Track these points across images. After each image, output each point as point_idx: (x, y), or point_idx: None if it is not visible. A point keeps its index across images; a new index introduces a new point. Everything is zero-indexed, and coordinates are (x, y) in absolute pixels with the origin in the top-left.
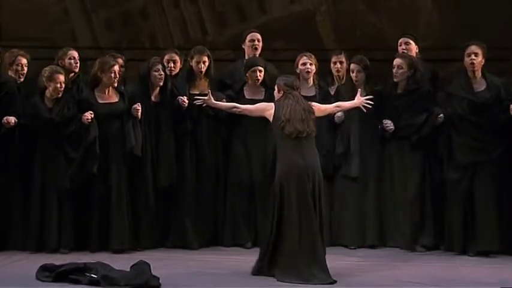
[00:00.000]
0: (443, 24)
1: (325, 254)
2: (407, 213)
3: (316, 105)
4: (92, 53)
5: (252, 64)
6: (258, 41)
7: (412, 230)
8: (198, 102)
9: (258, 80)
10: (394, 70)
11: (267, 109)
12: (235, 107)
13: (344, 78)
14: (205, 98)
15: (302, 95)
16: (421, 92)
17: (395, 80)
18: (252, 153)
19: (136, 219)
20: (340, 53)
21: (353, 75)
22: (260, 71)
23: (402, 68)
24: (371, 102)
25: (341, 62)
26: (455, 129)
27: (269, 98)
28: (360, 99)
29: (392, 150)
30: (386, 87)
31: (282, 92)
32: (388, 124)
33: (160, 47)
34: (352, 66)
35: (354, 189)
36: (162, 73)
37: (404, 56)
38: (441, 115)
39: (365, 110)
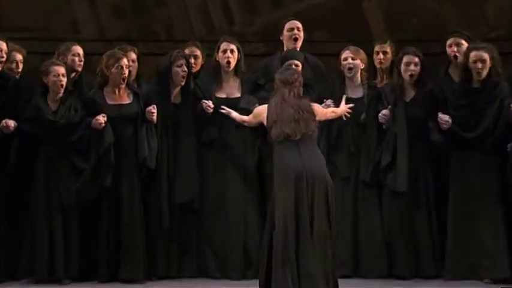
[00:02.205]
0: None
1: None
2: (482, 241)
3: (316, 106)
4: (97, 46)
5: (287, 57)
6: (298, 29)
7: (486, 260)
8: (222, 111)
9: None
10: (476, 65)
11: (261, 112)
12: (243, 121)
13: (385, 74)
14: (225, 110)
15: (349, 97)
16: (502, 88)
17: (478, 78)
18: None
19: (151, 243)
20: (385, 42)
21: (409, 68)
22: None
23: (487, 61)
24: (350, 111)
25: (384, 52)
26: None
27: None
28: (344, 107)
29: (458, 163)
30: (452, 84)
31: (275, 89)
32: (446, 120)
33: (179, 39)
34: (406, 58)
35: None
36: (186, 70)
37: (486, 48)
38: None
39: (344, 119)
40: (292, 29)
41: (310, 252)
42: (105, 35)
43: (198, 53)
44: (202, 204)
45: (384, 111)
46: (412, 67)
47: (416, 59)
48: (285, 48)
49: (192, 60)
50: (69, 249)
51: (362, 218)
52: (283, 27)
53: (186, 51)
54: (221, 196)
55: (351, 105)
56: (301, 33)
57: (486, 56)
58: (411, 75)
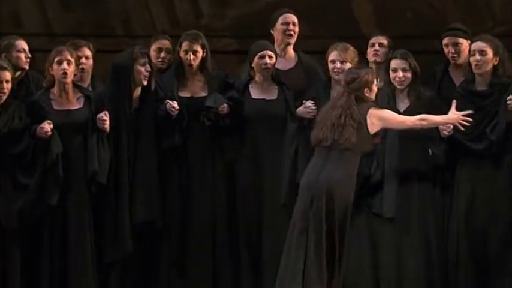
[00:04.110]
0: None
1: None
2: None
3: (384, 114)
4: (42, 41)
5: (258, 48)
6: (294, 24)
7: None
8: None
9: (267, 68)
10: (474, 58)
11: None
12: None
13: (379, 72)
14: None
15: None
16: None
17: (477, 71)
18: (264, 182)
19: (104, 269)
20: (382, 36)
21: (397, 75)
22: (270, 57)
23: (487, 54)
24: (470, 119)
25: (380, 44)
26: None
27: (284, 97)
28: (456, 115)
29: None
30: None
31: None
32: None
33: (138, 34)
34: (395, 63)
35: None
36: (149, 69)
37: (487, 38)
38: (510, 99)
39: (462, 129)
40: (287, 24)
41: (304, 275)
42: (52, 29)
43: (170, 46)
44: (165, 223)
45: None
46: (400, 74)
47: (405, 64)
48: (276, 46)
49: (163, 55)
50: (7, 279)
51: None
52: (276, 20)
53: (157, 45)
54: (186, 212)
55: (470, 112)
56: (297, 29)
57: (487, 47)
58: (400, 83)
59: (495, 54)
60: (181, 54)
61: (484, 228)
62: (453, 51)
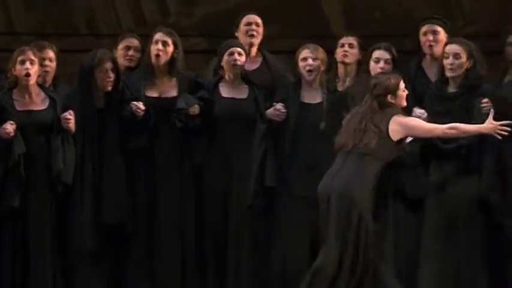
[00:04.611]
0: (498, 2)
1: None
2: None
3: (410, 121)
4: (5, 41)
5: (228, 45)
6: (257, 25)
7: None
8: None
9: (237, 65)
10: (448, 61)
11: None
12: None
13: (348, 73)
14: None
15: (303, 102)
16: (484, 91)
17: (450, 74)
18: (232, 183)
19: (69, 272)
20: (351, 36)
21: (378, 66)
22: (240, 54)
23: (461, 57)
24: (509, 129)
25: (350, 45)
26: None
27: (254, 97)
28: (493, 124)
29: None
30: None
31: None
32: (421, 112)
33: (103, 32)
34: (377, 54)
35: None
36: (112, 76)
37: (461, 41)
38: (486, 102)
39: (499, 137)
40: (249, 24)
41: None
42: (15, 28)
43: (138, 44)
44: (134, 224)
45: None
46: (381, 64)
47: (388, 56)
48: None
49: (131, 53)
50: None
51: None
52: (240, 22)
53: (124, 43)
54: (154, 214)
55: (509, 122)
56: (260, 29)
57: (461, 51)
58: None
59: (469, 57)
60: (151, 46)
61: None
62: (431, 39)
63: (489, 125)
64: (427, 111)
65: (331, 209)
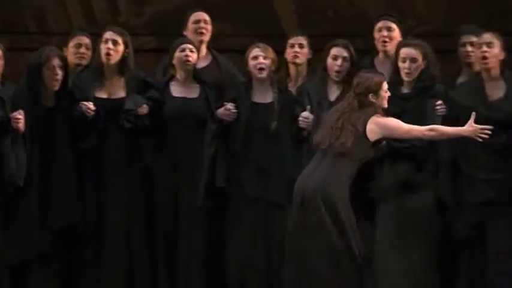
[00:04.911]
0: (450, 2)
1: None
2: None
3: (388, 122)
4: None
5: (179, 42)
6: (205, 22)
7: None
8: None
9: (188, 61)
10: (405, 65)
11: None
12: None
13: (299, 73)
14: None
15: (254, 102)
16: (436, 92)
17: (407, 78)
18: (182, 183)
19: (19, 274)
20: (302, 35)
21: (336, 63)
22: (191, 51)
23: (417, 61)
24: (489, 132)
25: (301, 45)
26: (463, 156)
27: (205, 97)
28: (473, 127)
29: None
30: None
31: None
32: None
33: (53, 31)
34: (335, 51)
35: None
36: (60, 73)
37: (417, 44)
38: (440, 104)
39: (480, 140)
40: (198, 21)
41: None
42: None
43: (88, 42)
44: (83, 225)
45: (305, 114)
46: (339, 61)
47: (346, 53)
48: None
49: (82, 50)
50: None
51: (275, 246)
52: (188, 20)
53: (75, 41)
54: (103, 214)
55: (489, 126)
56: (209, 27)
57: (417, 54)
58: (338, 71)
59: (424, 59)
60: (101, 45)
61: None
62: (385, 35)
63: (469, 127)
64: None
65: (307, 210)
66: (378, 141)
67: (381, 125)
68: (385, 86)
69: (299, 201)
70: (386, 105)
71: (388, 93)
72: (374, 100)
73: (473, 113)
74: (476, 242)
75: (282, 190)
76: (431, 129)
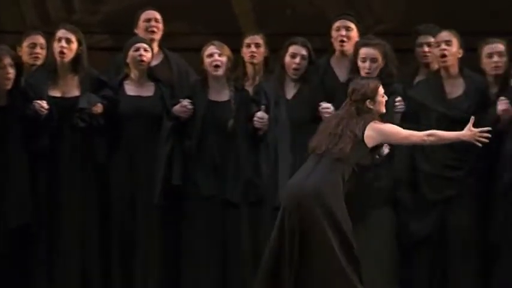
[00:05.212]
0: (409, 1)
1: None
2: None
3: (385, 128)
4: None
5: (133, 41)
6: (156, 21)
7: None
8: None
9: (142, 61)
10: (365, 65)
11: None
12: None
13: (256, 72)
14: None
15: (210, 100)
16: (393, 90)
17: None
18: (138, 182)
19: None
20: (257, 34)
21: (294, 61)
22: (146, 50)
23: (377, 60)
24: (489, 135)
25: (257, 45)
26: (422, 155)
27: (160, 95)
28: (472, 131)
29: None
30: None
31: None
32: (327, 106)
33: (6, 29)
34: (295, 49)
35: None
36: (11, 72)
37: (376, 43)
38: (400, 101)
39: (480, 145)
40: (149, 20)
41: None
42: None
43: (43, 42)
44: (37, 225)
45: (260, 114)
46: (298, 59)
47: (304, 51)
48: None
49: (37, 50)
50: None
51: (230, 246)
52: (139, 18)
53: (29, 41)
54: (56, 215)
55: (487, 128)
56: (160, 25)
57: (377, 54)
58: (296, 69)
59: (383, 58)
60: (55, 44)
61: None
62: (343, 34)
63: (468, 132)
64: (336, 107)
65: (303, 213)
66: (375, 148)
67: (379, 131)
68: (381, 91)
69: (294, 205)
70: (384, 111)
71: (385, 98)
72: (371, 106)
73: (472, 117)
74: (436, 241)
75: (237, 189)
76: (430, 135)
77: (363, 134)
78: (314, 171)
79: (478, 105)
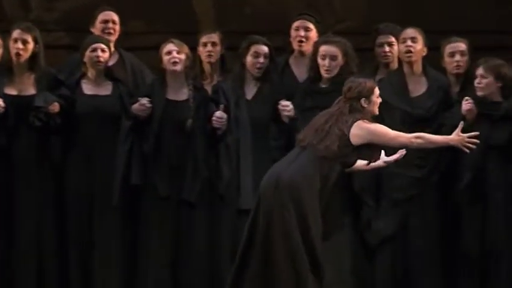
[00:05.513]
0: (367, 1)
1: None
2: None
3: (373, 128)
4: None
5: (91, 41)
6: (114, 22)
7: None
8: None
9: (100, 62)
10: (325, 62)
11: None
12: None
13: (215, 70)
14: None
15: (169, 99)
16: None
17: (327, 75)
18: (96, 182)
19: None
20: (214, 32)
21: (258, 61)
22: (103, 50)
23: (337, 58)
24: (477, 141)
25: (214, 44)
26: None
27: (118, 94)
28: (460, 136)
29: None
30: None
31: None
32: (287, 104)
33: None
34: (258, 48)
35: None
36: None
37: (337, 41)
38: None
39: (467, 151)
40: (106, 21)
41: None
42: None
43: None
44: None
45: (218, 114)
46: (261, 59)
47: (267, 50)
48: None
49: None
50: None
51: (185, 246)
52: (96, 18)
53: None
54: (12, 215)
55: (476, 133)
56: (117, 27)
57: (338, 52)
58: (259, 68)
59: (344, 56)
60: (11, 44)
61: None
62: (302, 35)
63: (456, 136)
64: (296, 107)
65: (275, 201)
66: (360, 147)
67: (366, 130)
68: (377, 91)
69: (270, 191)
70: (377, 112)
71: (380, 99)
72: (366, 105)
73: (462, 122)
74: (398, 240)
75: (195, 189)
76: (418, 137)
77: (350, 131)
78: (294, 162)
79: (441, 104)
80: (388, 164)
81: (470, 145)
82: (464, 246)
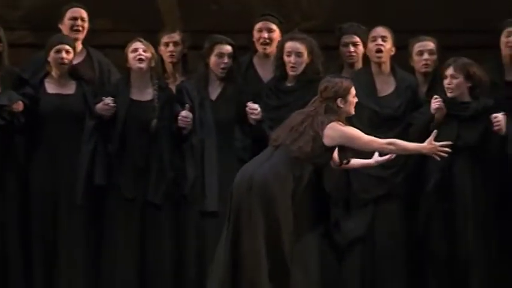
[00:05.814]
0: None
1: None
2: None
3: (347, 131)
4: None
5: (55, 41)
6: (82, 20)
7: None
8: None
9: (64, 63)
10: (290, 59)
11: None
12: None
13: (177, 70)
14: None
15: (133, 99)
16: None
17: (292, 72)
18: (60, 182)
19: None
20: (175, 31)
21: (222, 61)
22: (68, 51)
23: (303, 55)
24: (449, 150)
25: (175, 44)
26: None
27: (82, 93)
28: (432, 145)
29: None
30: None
31: None
32: (254, 107)
33: None
34: (223, 49)
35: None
36: None
37: (303, 38)
38: None
39: (438, 159)
40: (75, 19)
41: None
42: None
43: None
44: None
45: (184, 113)
46: (226, 59)
47: (231, 50)
48: None
49: None
50: None
51: (150, 247)
52: (64, 14)
53: None
54: None
55: (448, 143)
56: (86, 24)
57: (303, 49)
58: (224, 68)
59: (309, 54)
60: None
61: None
62: (266, 37)
63: (429, 145)
64: (261, 106)
65: (247, 201)
66: (333, 148)
67: (339, 132)
68: (353, 91)
69: (242, 190)
70: (353, 112)
71: (356, 99)
72: (342, 105)
73: (435, 131)
74: (367, 241)
75: (160, 191)
76: (390, 143)
77: (323, 132)
78: (267, 162)
79: (409, 104)
80: (379, 164)
81: (441, 154)
82: (432, 247)
